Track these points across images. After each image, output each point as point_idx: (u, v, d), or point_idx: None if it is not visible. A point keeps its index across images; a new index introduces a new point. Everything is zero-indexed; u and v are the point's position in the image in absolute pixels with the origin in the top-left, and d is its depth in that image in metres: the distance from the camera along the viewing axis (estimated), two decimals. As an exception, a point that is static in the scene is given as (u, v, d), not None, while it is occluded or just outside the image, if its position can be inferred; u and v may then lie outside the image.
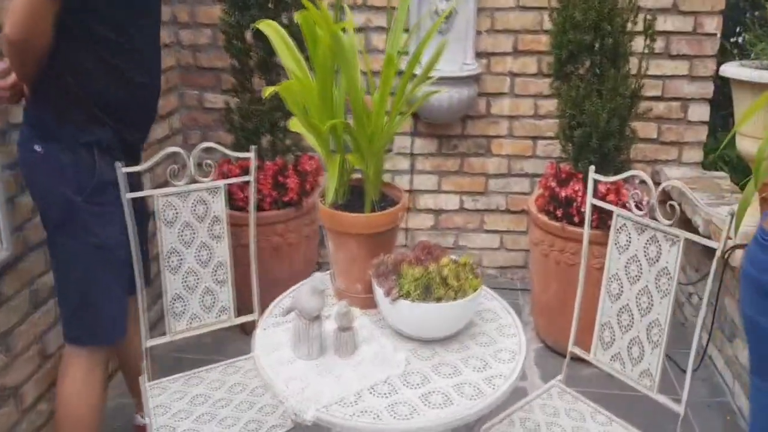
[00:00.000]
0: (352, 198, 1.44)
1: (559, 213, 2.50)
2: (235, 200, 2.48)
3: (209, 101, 3.13)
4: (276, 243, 2.58)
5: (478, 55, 2.98)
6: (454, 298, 1.23)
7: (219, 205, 1.81)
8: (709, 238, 2.60)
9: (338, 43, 1.23)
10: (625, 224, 1.65)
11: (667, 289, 1.57)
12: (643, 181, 1.60)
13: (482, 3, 2.92)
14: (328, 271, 1.51)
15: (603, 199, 2.43)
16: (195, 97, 3.13)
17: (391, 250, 1.40)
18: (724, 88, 2.55)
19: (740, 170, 3.30)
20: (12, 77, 1.66)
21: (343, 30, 1.25)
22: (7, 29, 1.48)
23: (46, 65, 1.59)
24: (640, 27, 2.47)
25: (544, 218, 2.56)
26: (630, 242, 1.64)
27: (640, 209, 1.60)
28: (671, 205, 1.55)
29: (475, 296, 1.27)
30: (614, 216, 1.67)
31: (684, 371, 2.65)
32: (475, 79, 2.95)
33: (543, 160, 3.14)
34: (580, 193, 2.45)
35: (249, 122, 2.58)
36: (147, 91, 1.82)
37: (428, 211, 3.25)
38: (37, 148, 1.67)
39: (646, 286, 1.61)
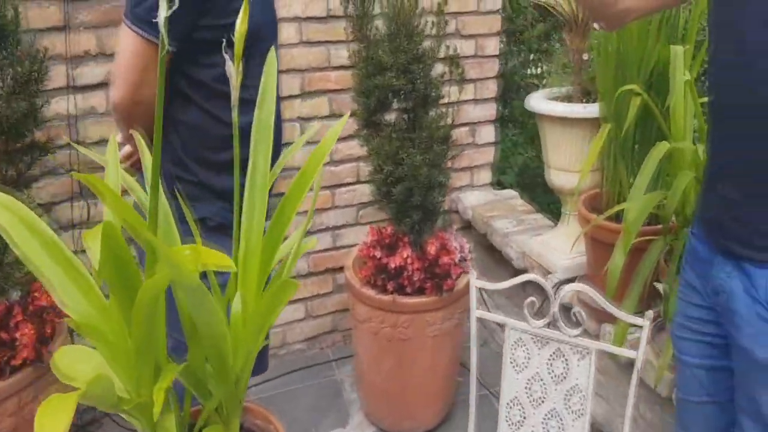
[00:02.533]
0: None
1: (390, 286, 2.17)
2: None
3: None
4: (11, 426, 1.73)
5: (260, 98, 2.51)
6: None
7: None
8: (525, 271, 2.54)
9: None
10: (520, 338, 1.38)
11: (580, 409, 1.33)
12: (539, 287, 1.33)
13: (258, 39, 2.45)
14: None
15: (435, 261, 2.17)
16: None
17: None
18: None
19: (527, 185, 3.35)
20: (126, 148, 1.54)
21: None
22: (112, 95, 1.39)
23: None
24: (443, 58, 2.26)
25: (370, 293, 2.20)
26: (530, 358, 1.37)
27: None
28: (576, 313, 1.31)
29: None
30: (507, 330, 1.39)
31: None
32: (261, 128, 2.47)
33: (343, 209, 2.80)
34: (410, 260, 2.16)
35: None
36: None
37: (223, 285, 2.70)
38: None
39: (554, 408, 1.36)
